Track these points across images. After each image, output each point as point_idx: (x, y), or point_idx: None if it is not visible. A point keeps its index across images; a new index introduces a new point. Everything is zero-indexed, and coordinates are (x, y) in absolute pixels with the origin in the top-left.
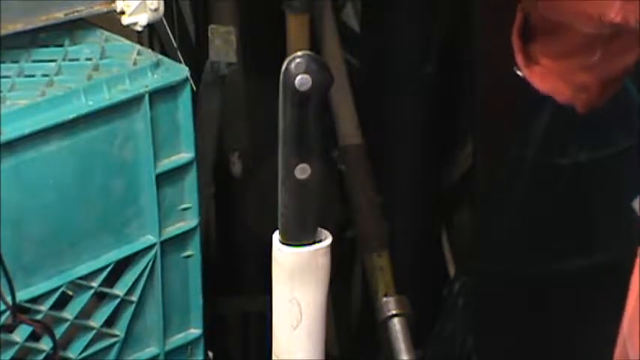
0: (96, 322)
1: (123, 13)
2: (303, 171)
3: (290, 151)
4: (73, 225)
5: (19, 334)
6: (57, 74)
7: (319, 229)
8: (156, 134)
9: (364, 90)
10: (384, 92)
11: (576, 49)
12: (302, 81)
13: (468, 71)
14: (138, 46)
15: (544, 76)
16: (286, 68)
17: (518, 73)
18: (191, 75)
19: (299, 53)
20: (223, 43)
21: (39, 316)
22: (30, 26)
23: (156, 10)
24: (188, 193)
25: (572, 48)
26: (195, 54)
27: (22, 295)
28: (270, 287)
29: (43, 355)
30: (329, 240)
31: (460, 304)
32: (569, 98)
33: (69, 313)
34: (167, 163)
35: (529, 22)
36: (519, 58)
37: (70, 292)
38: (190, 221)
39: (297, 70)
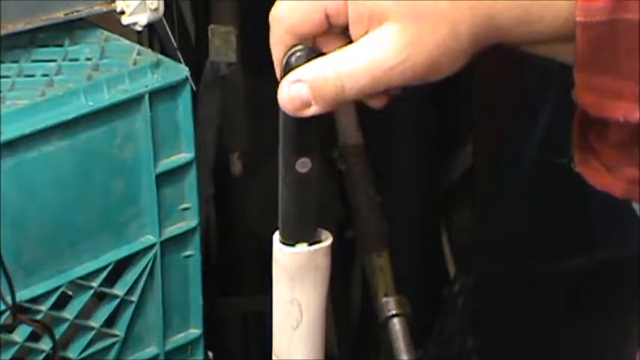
0: (96, 322)
1: (123, 13)
2: (303, 165)
3: (290, 145)
4: (73, 225)
5: (19, 334)
6: (57, 74)
7: (319, 229)
8: (156, 134)
9: None
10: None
11: (622, 143)
12: None
13: (467, 72)
14: (138, 46)
15: (598, 172)
16: (287, 62)
17: (575, 169)
18: (191, 75)
19: (299, 47)
20: (223, 43)
21: (39, 316)
22: (30, 26)
23: (156, 10)
24: (188, 193)
25: (618, 142)
26: (195, 54)
27: (22, 295)
28: (270, 287)
29: (43, 355)
30: (329, 240)
31: (460, 304)
32: (624, 194)
33: (69, 313)
34: (167, 163)
35: (583, 115)
36: (576, 153)
37: (70, 292)
38: (190, 221)
39: (298, 63)
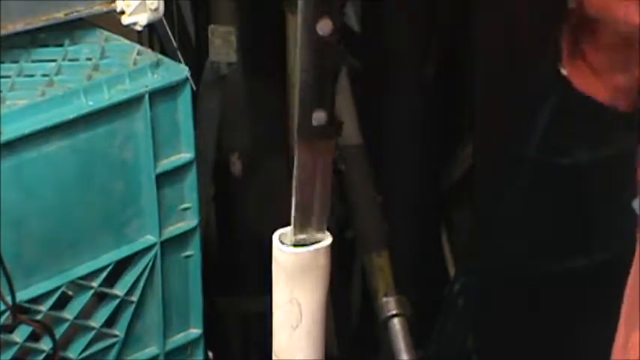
0: (96, 322)
1: (123, 13)
2: (325, 26)
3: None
4: (73, 225)
5: (19, 334)
6: (57, 74)
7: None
8: (156, 134)
9: (364, 90)
10: (384, 92)
11: (614, 48)
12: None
13: (467, 71)
14: (138, 46)
15: (585, 75)
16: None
17: (562, 70)
18: (191, 75)
19: None
20: (223, 43)
21: (39, 316)
22: (30, 26)
23: (156, 10)
24: (188, 193)
25: (610, 46)
26: (195, 54)
27: (22, 295)
28: (270, 287)
29: (43, 355)
30: (329, 240)
31: (460, 304)
32: (609, 100)
33: (69, 313)
34: (167, 163)
35: (578, 16)
36: (565, 54)
37: (70, 292)
38: (190, 221)
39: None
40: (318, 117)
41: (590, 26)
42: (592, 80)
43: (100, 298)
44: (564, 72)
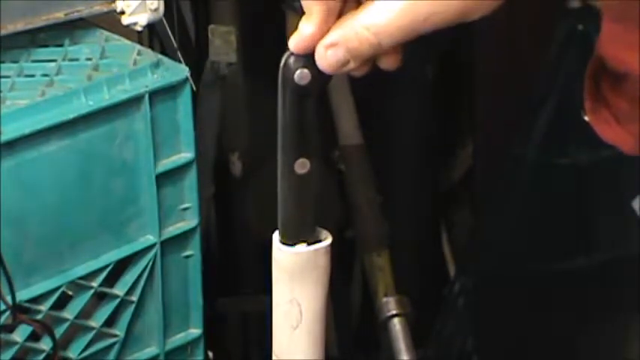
0: (96, 322)
1: (123, 13)
2: (302, 166)
3: (289, 146)
4: (73, 225)
5: (19, 334)
6: (57, 74)
7: (319, 229)
8: (156, 134)
9: (364, 90)
10: (385, 92)
11: (637, 97)
12: (301, 75)
13: (467, 72)
14: (138, 46)
15: (609, 124)
16: (285, 62)
17: (585, 118)
18: (191, 75)
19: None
20: (223, 43)
21: (39, 316)
22: (30, 26)
23: (156, 10)
24: (188, 193)
25: (632, 95)
26: (195, 54)
27: (22, 295)
28: (270, 287)
29: (43, 355)
30: (329, 240)
31: (460, 304)
32: (633, 149)
33: (69, 313)
34: (167, 163)
35: (598, 65)
36: (587, 103)
37: (70, 292)
38: (190, 221)
39: (297, 65)
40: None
41: (611, 75)
42: (616, 129)
43: (100, 298)
44: (587, 119)
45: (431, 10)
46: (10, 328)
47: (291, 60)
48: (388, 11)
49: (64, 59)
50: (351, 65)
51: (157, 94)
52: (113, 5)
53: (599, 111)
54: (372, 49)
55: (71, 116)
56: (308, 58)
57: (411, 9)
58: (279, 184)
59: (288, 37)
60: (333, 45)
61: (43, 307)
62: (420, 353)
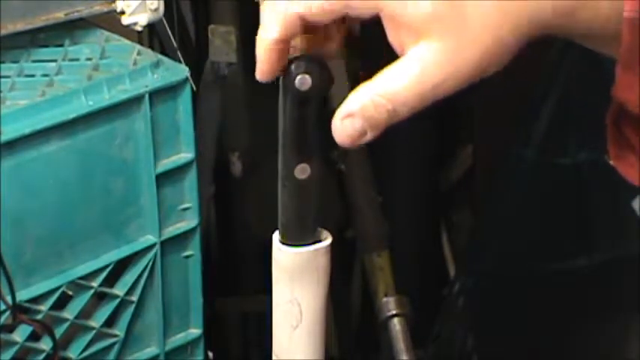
0: (96, 322)
1: (123, 13)
2: (303, 171)
3: (290, 151)
4: (73, 225)
5: (19, 334)
6: (57, 74)
7: (319, 229)
8: (156, 134)
9: None
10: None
11: None
12: (302, 81)
13: None
14: (138, 46)
15: (632, 166)
16: (288, 69)
17: (609, 161)
18: (191, 75)
19: (298, 55)
20: (223, 43)
21: (39, 316)
22: (30, 26)
23: (156, 10)
24: (188, 193)
25: None
26: (195, 54)
27: (22, 295)
28: (270, 287)
29: (43, 355)
30: (329, 240)
31: (460, 304)
32: None
33: (69, 313)
34: (167, 163)
35: (619, 108)
36: (611, 149)
37: (70, 292)
38: (190, 221)
39: (297, 70)
40: None
41: (633, 118)
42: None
43: (100, 298)
44: (611, 162)
45: (446, 76)
46: (10, 328)
47: (292, 66)
48: (403, 77)
49: (64, 59)
50: (368, 136)
51: (157, 94)
52: (113, 5)
53: (624, 156)
54: (390, 117)
55: (71, 116)
56: (309, 64)
57: (427, 74)
58: (279, 188)
59: None
60: (349, 115)
61: (43, 307)
62: (420, 353)
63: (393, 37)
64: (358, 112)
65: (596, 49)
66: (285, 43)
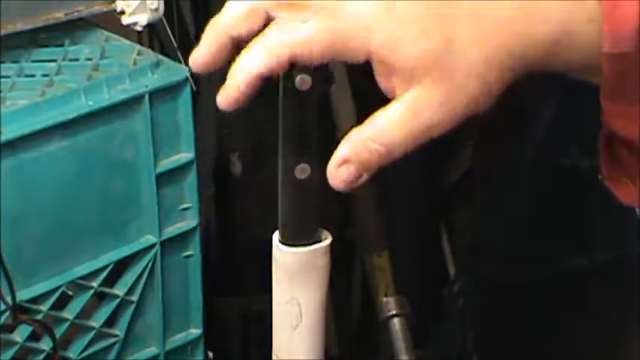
0: (96, 322)
1: (123, 13)
2: (303, 171)
3: (290, 151)
4: (73, 225)
5: (19, 334)
6: (57, 74)
7: (319, 229)
8: (156, 134)
9: (364, 90)
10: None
11: None
12: (302, 81)
13: None
14: (138, 46)
15: (630, 189)
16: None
17: (601, 179)
18: (191, 75)
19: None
20: None
21: (39, 316)
22: (30, 26)
23: (156, 10)
24: (188, 193)
25: None
26: None
27: (22, 295)
28: (270, 287)
29: (43, 355)
30: (329, 240)
31: (460, 304)
32: None
33: (69, 313)
34: (167, 163)
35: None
36: (604, 171)
37: (70, 292)
38: (190, 221)
39: (297, 70)
40: None
41: (625, 141)
42: (631, 190)
43: (100, 298)
44: (604, 181)
45: (437, 119)
46: (10, 328)
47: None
48: (395, 122)
49: (64, 59)
50: (364, 178)
51: (157, 94)
52: (113, 5)
53: (618, 177)
54: (384, 159)
55: (71, 116)
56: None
57: (418, 118)
58: (279, 188)
59: None
60: (345, 162)
61: (43, 307)
62: (420, 353)
63: (382, 81)
64: (352, 158)
65: (583, 80)
66: (266, 79)
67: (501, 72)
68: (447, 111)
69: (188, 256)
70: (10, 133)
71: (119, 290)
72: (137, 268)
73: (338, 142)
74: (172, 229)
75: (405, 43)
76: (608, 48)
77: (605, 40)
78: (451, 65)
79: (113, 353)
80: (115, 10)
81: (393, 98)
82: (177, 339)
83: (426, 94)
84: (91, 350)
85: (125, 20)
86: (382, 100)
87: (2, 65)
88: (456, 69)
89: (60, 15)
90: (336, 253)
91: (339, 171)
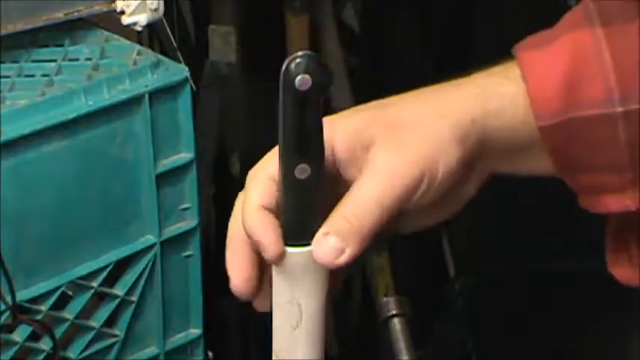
0: (96, 322)
1: (123, 13)
2: (303, 171)
3: (290, 151)
4: (73, 225)
5: (19, 334)
6: (57, 74)
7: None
8: (156, 134)
9: (364, 90)
10: (384, 92)
11: None
12: (302, 81)
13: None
14: (138, 46)
15: (631, 276)
16: (286, 68)
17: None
18: (191, 75)
19: (299, 53)
20: (223, 43)
21: (39, 316)
22: (30, 26)
23: (156, 10)
24: (188, 193)
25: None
26: (195, 54)
27: (22, 295)
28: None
29: (43, 355)
30: None
31: (460, 304)
32: None
33: (69, 313)
34: (167, 163)
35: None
36: (609, 257)
37: (70, 292)
38: (190, 221)
39: (297, 70)
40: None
41: (632, 220)
42: (633, 274)
43: (100, 298)
44: (609, 270)
45: (400, 190)
46: (10, 328)
47: (292, 65)
48: (363, 199)
49: (64, 59)
50: (348, 252)
51: (157, 94)
52: (113, 5)
53: (619, 265)
54: (364, 234)
55: (71, 116)
56: (309, 64)
57: (382, 192)
58: (279, 188)
59: (288, 38)
60: (325, 234)
61: (43, 307)
62: (420, 353)
63: (347, 171)
64: (334, 234)
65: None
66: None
67: (448, 161)
68: (403, 182)
69: (188, 256)
70: (10, 133)
71: (119, 290)
72: (137, 268)
73: None
74: (172, 229)
75: None
76: (542, 122)
77: (536, 116)
78: (401, 142)
79: (113, 353)
80: (115, 10)
81: None
82: (177, 339)
83: (381, 168)
84: (90, 350)
85: (125, 20)
86: (382, 99)
87: (2, 65)
88: (406, 146)
89: (60, 15)
90: None
91: (321, 248)
